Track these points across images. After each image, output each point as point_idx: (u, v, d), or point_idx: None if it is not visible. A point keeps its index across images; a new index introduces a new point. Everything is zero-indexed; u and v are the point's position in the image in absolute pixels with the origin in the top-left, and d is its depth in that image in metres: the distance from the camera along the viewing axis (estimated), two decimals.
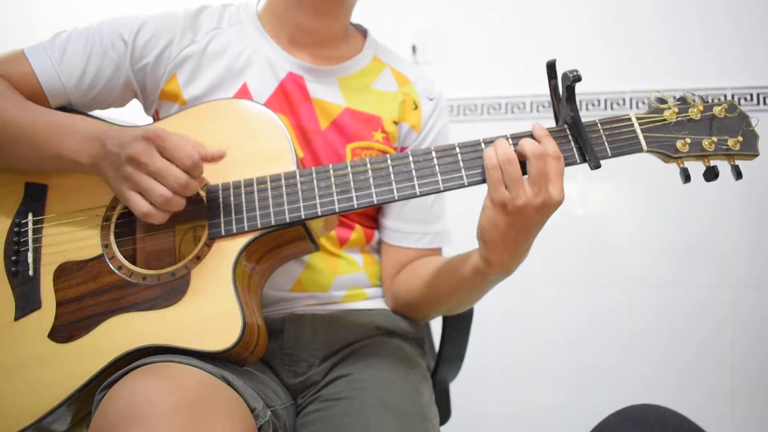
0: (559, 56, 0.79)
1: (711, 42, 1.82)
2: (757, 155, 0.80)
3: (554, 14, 1.94)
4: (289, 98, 0.96)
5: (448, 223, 1.06)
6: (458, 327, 1.11)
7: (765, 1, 1.81)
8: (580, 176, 1.90)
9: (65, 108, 0.94)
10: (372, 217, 1.04)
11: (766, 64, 1.79)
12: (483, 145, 0.80)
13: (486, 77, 1.99)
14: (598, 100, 1.89)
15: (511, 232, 0.78)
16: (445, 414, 1.12)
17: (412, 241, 1.02)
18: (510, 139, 0.79)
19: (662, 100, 0.82)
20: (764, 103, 1.79)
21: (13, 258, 0.85)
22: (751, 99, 1.80)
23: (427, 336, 1.21)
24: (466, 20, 2.00)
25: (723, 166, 0.80)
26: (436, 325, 1.17)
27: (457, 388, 1.15)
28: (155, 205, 0.76)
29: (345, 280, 0.99)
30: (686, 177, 0.80)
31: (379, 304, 1.02)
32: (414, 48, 2.03)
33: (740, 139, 0.79)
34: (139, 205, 0.76)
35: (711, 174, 0.79)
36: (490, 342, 1.64)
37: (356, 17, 1.09)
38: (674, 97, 0.83)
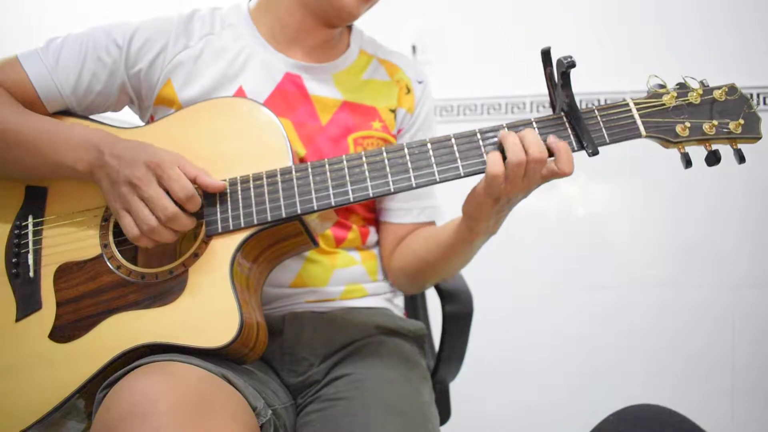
0: (559, 56, 0.79)
1: (711, 42, 1.82)
2: (759, 138, 0.78)
3: (554, 14, 1.94)
4: (287, 98, 0.97)
5: (438, 198, 1.11)
6: (458, 327, 1.11)
7: (765, 1, 1.81)
8: (580, 176, 1.90)
9: (65, 112, 0.94)
10: (366, 218, 1.05)
11: (766, 64, 1.79)
12: (479, 135, 0.80)
13: (486, 77, 1.99)
14: (598, 100, 1.89)
15: (497, 210, 0.83)
16: (445, 414, 1.12)
17: (412, 216, 1.05)
18: (506, 128, 0.80)
19: (661, 85, 0.81)
20: (764, 103, 1.79)
21: (13, 260, 0.86)
22: (751, 99, 1.80)
23: (427, 336, 1.21)
24: (466, 20, 2.00)
25: (725, 153, 0.78)
26: (436, 325, 1.17)
27: (457, 388, 1.15)
28: (141, 231, 0.78)
29: (343, 275, 0.99)
30: (687, 162, 0.79)
31: (378, 301, 1.03)
32: (414, 48, 2.03)
33: (742, 121, 0.78)
34: (129, 227, 0.79)
35: (713, 158, 0.78)
36: (490, 342, 1.64)
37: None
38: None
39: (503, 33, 1.98)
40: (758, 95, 1.79)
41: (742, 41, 1.80)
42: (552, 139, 0.78)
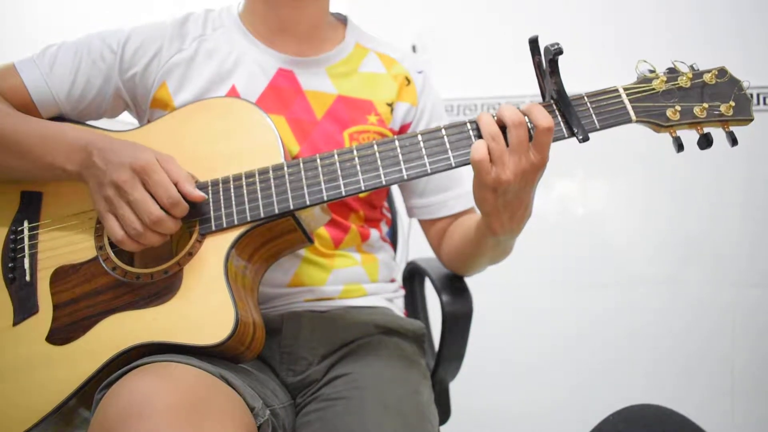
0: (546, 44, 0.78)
1: (711, 42, 1.82)
2: (751, 120, 0.78)
3: (554, 14, 1.94)
4: (281, 94, 0.97)
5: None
6: (458, 326, 1.11)
7: (765, 1, 1.81)
8: (579, 175, 1.90)
9: (58, 118, 0.94)
10: (368, 217, 1.04)
11: (766, 64, 1.79)
12: (468, 125, 0.79)
13: (486, 77, 1.99)
14: None
15: (502, 201, 0.79)
16: (444, 414, 1.12)
17: (448, 209, 1.07)
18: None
19: (651, 70, 0.81)
20: (764, 103, 1.78)
21: (10, 265, 0.86)
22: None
23: (427, 335, 1.21)
24: (466, 20, 2.00)
25: (718, 138, 0.78)
26: (436, 325, 1.17)
27: (456, 387, 1.15)
28: (128, 234, 0.78)
29: (342, 275, 0.99)
30: (679, 146, 0.79)
31: (377, 301, 1.03)
32: (414, 48, 2.03)
33: (733, 104, 0.78)
34: (114, 230, 0.79)
35: (704, 141, 0.78)
36: (490, 341, 1.64)
37: (356, 17, 1.09)
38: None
39: (503, 33, 1.98)
40: (758, 95, 1.79)
41: (742, 41, 1.80)
42: (523, 107, 0.77)
